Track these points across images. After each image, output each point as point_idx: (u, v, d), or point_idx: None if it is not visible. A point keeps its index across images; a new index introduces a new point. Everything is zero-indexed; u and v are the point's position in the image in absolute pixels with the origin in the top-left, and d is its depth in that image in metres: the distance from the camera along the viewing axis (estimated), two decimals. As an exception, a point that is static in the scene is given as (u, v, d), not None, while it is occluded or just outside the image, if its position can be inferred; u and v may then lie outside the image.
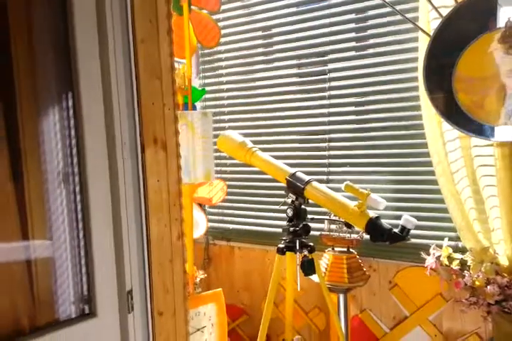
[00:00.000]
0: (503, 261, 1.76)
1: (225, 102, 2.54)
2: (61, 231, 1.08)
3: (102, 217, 1.11)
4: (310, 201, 1.77)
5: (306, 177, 1.75)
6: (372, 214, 1.57)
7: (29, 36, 1.06)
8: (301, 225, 1.74)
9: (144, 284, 1.20)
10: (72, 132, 1.09)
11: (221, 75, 2.54)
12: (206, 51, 2.54)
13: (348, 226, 1.70)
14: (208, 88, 2.55)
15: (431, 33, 1.81)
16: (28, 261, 1.02)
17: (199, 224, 2.06)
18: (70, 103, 1.07)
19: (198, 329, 1.84)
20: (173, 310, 1.36)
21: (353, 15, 2.13)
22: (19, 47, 1.04)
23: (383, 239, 1.51)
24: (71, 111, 1.07)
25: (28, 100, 1.04)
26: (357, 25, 2.14)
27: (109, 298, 1.10)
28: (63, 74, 1.08)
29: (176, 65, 2.17)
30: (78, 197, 1.08)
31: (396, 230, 1.51)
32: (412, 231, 1.97)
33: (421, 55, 1.84)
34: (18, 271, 1.01)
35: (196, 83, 2.59)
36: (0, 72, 1.01)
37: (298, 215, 1.78)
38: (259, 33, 2.41)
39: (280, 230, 1.86)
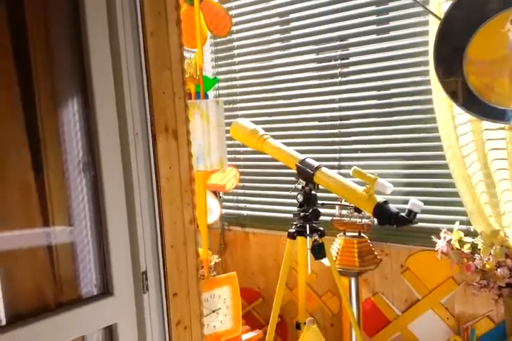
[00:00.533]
0: (514, 245, 1.76)
1: (238, 90, 2.57)
2: (81, 218, 1.15)
3: (117, 203, 1.17)
4: (320, 187, 1.81)
5: (316, 163, 1.78)
6: (380, 198, 1.59)
7: (44, 31, 1.12)
8: (310, 210, 1.78)
9: (158, 266, 1.27)
10: (87, 123, 1.14)
11: (234, 63, 2.57)
12: (219, 40, 2.57)
13: (358, 210, 1.73)
14: (221, 76, 2.59)
15: (441, 16, 1.79)
16: (51, 245, 1.10)
17: (213, 210, 2.12)
18: (84, 95, 1.13)
19: (214, 311, 1.91)
20: (186, 291, 1.42)
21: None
22: (36, 42, 1.09)
23: (390, 222, 1.54)
24: (85, 103, 1.13)
25: (45, 93, 1.10)
26: (370, 9, 2.12)
27: (125, 278, 1.16)
28: (76, 68, 1.13)
29: (188, 55, 2.21)
30: (95, 185, 1.14)
31: (403, 214, 1.53)
32: (423, 216, 2.01)
33: (431, 38, 1.83)
34: (45, 254, 1.08)
35: (209, 72, 2.63)
36: (19, 66, 1.07)
37: (308, 200, 1.81)
38: (272, 20, 2.42)
39: (291, 216, 1.91)
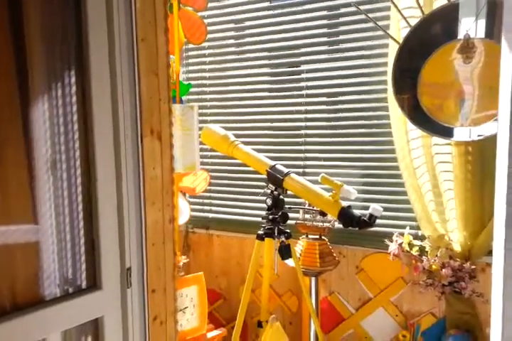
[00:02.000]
0: (457, 247, 1.98)
1: (208, 97, 2.65)
2: (72, 216, 1.18)
3: (108, 203, 1.22)
4: (288, 192, 1.93)
5: (285, 170, 1.90)
6: (344, 203, 1.74)
7: (48, 40, 1.15)
8: (280, 213, 1.89)
9: (142, 263, 1.33)
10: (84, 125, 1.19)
11: (204, 70, 2.65)
12: (190, 46, 2.64)
13: (323, 214, 1.87)
14: (191, 82, 2.66)
15: (400, 41, 1.99)
16: (39, 242, 1.12)
17: (183, 212, 2.18)
18: (83, 96, 1.17)
19: (181, 310, 1.97)
20: (163, 288, 1.48)
21: (325, 21, 2.30)
22: (35, 57, 1.12)
23: (353, 225, 1.69)
24: (83, 106, 1.18)
25: (46, 92, 1.13)
26: (329, 31, 2.30)
27: (112, 273, 1.21)
28: (77, 70, 1.18)
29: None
30: (89, 186, 1.18)
31: (365, 218, 1.69)
32: (378, 221, 2.16)
33: (390, 60, 2.02)
34: (34, 249, 1.10)
35: (181, 77, 2.69)
36: (18, 74, 1.09)
37: (276, 204, 1.93)
38: (233, 33, 2.53)
39: (257, 219, 2.01)
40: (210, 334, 2.08)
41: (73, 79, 1.17)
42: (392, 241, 2.09)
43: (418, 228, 2.10)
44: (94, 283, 1.16)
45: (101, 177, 1.18)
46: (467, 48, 1.88)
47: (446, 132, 1.97)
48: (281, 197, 1.95)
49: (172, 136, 1.53)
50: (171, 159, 1.53)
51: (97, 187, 1.17)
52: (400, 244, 2.07)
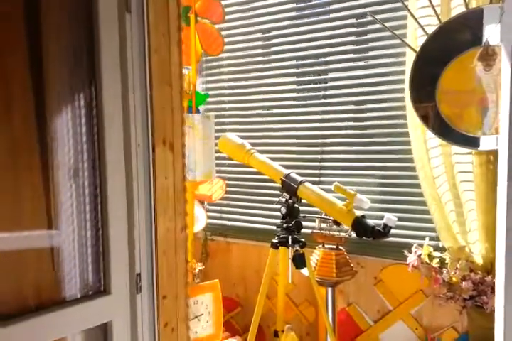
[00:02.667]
0: (478, 260, 1.91)
1: (226, 106, 2.69)
2: (84, 223, 1.22)
3: (118, 210, 1.25)
4: (303, 200, 1.93)
5: (299, 178, 1.90)
6: (358, 213, 1.72)
7: (60, 54, 1.21)
8: (293, 222, 1.89)
9: (152, 269, 1.35)
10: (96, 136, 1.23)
11: (223, 80, 2.69)
12: (209, 57, 2.69)
13: (337, 223, 1.85)
14: (210, 92, 2.71)
15: (417, 49, 1.97)
16: (53, 247, 1.16)
17: (199, 219, 2.20)
18: (94, 106, 1.22)
19: (196, 317, 1.98)
20: (175, 295, 1.50)
21: (352, 29, 2.29)
22: (51, 64, 1.18)
23: (367, 235, 1.66)
24: (94, 114, 1.22)
25: (57, 104, 1.18)
26: (356, 38, 2.30)
27: (122, 278, 1.24)
28: (89, 80, 1.23)
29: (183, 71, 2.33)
30: (99, 193, 1.22)
31: (379, 228, 1.66)
32: (396, 231, 2.15)
33: (408, 68, 2.00)
34: (45, 255, 1.15)
35: (199, 87, 2.74)
36: (32, 77, 1.15)
37: (291, 213, 1.93)
38: (260, 43, 2.56)
39: (274, 227, 2.01)
40: (224, 343, 2.09)
41: (85, 90, 1.21)
42: (411, 253, 2.04)
43: (438, 239, 2.05)
44: (103, 288, 1.20)
45: (111, 186, 1.22)
46: (487, 56, 1.84)
47: (467, 141, 1.92)
48: (295, 205, 1.94)
49: (184, 146, 1.56)
50: (183, 168, 1.56)
51: (107, 195, 1.21)
52: (419, 256, 2.02)
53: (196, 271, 2.09)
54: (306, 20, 2.39)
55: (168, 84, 1.49)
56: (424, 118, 1.96)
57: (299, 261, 1.84)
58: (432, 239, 2.06)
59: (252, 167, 2.08)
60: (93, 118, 1.22)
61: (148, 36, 1.41)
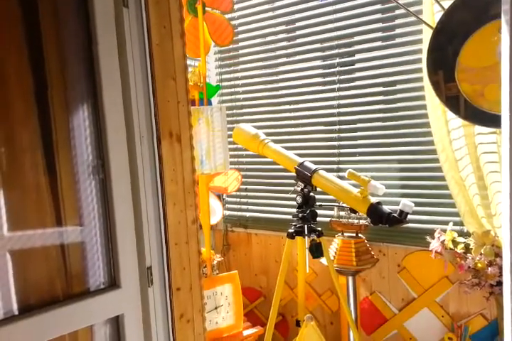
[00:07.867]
0: (505, 244, 1.83)
1: (241, 96, 2.66)
2: (91, 218, 1.24)
3: (124, 204, 1.26)
4: (318, 189, 1.89)
5: (313, 166, 1.86)
6: (373, 199, 1.67)
7: (58, 46, 1.22)
8: (308, 211, 1.86)
9: (162, 262, 1.36)
10: (97, 129, 1.24)
11: (237, 71, 2.66)
12: (224, 48, 2.66)
13: (353, 211, 1.80)
14: (224, 83, 2.69)
15: (434, 26, 1.87)
16: (64, 243, 1.19)
17: (216, 211, 2.21)
18: (94, 101, 1.23)
19: (216, 308, 2.00)
20: (189, 287, 1.51)
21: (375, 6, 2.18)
22: (51, 58, 1.19)
23: (382, 222, 1.61)
24: (95, 109, 1.23)
25: (58, 101, 1.20)
26: (372, 17, 2.19)
27: (131, 272, 1.26)
28: (87, 77, 1.23)
29: (193, 64, 2.32)
30: (104, 187, 1.23)
31: (395, 214, 1.61)
32: (418, 217, 2.08)
33: (425, 46, 1.91)
34: (60, 251, 1.17)
35: (214, 79, 2.73)
36: (35, 73, 1.17)
37: (306, 202, 1.90)
38: (277, 28, 2.49)
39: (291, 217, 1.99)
40: (246, 332, 2.09)
41: (83, 84, 1.22)
42: (434, 239, 1.98)
43: (462, 224, 1.97)
44: (113, 282, 1.21)
45: (115, 178, 1.23)
46: (508, 27, 1.73)
47: (491, 120, 1.82)
48: (311, 194, 1.91)
49: (192, 138, 1.55)
50: (192, 160, 1.55)
51: (112, 188, 1.22)
52: (443, 241, 1.95)
53: (214, 262, 2.09)
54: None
55: (171, 77, 1.48)
56: (444, 99, 1.87)
57: (316, 251, 1.82)
58: (455, 223, 1.98)
59: (266, 157, 2.06)
60: (94, 115, 1.23)
61: (148, 29, 1.39)
